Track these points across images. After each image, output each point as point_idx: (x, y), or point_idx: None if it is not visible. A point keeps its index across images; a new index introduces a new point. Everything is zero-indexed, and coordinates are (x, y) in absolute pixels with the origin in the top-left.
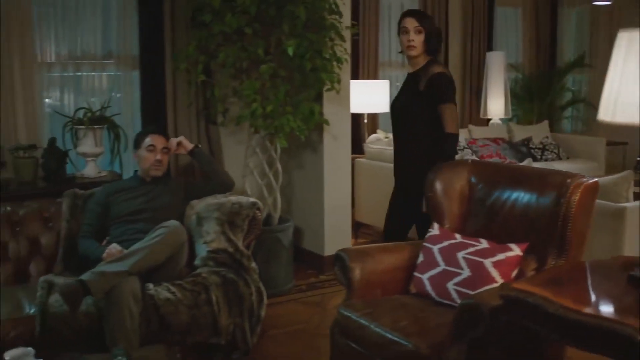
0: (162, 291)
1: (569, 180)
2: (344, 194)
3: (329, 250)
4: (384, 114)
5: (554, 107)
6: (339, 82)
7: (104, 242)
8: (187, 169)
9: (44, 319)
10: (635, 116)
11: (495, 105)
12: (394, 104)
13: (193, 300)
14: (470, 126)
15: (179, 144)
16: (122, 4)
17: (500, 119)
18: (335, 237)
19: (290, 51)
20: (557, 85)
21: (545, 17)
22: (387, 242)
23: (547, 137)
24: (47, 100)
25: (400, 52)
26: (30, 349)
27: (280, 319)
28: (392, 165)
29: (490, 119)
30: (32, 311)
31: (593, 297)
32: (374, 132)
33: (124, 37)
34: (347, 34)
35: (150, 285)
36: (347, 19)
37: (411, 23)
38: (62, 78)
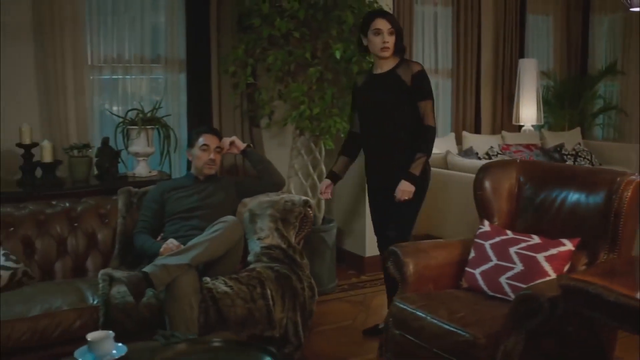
0: (219, 284)
1: (619, 178)
2: None
3: (370, 251)
4: None
5: (586, 114)
6: None
7: (159, 238)
8: (231, 169)
9: (107, 310)
10: None
11: (528, 112)
12: (368, 102)
13: (249, 293)
14: (503, 132)
15: (232, 143)
16: (170, 9)
17: (532, 126)
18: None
19: (337, 54)
20: (589, 93)
21: (576, 25)
22: (383, 248)
23: (579, 144)
24: (96, 102)
25: (364, 52)
26: (110, 332)
27: (326, 316)
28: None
29: (522, 126)
30: (95, 302)
31: None
32: None
33: (171, 41)
34: None
35: (208, 279)
36: None
37: (385, 25)
38: (112, 81)
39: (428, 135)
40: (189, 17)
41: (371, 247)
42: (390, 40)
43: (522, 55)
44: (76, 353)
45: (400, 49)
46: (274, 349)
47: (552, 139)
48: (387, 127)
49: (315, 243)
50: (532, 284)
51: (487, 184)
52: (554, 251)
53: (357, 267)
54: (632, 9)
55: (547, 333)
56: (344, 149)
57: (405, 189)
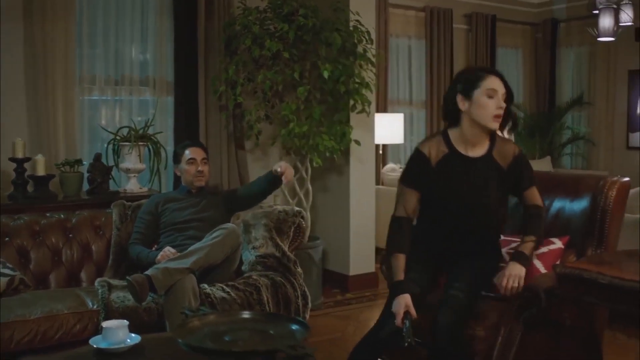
0: (217, 291)
1: (602, 181)
2: (368, 216)
3: (355, 270)
4: (393, 145)
5: (555, 144)
6: (369, 104)
7: (154, 248)
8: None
9: (107, 314)
10: None
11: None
12: (456, 191)
13: (246, 299)
14: None
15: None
16: (158, 33)
17: None
18: (360, 257)
19: (325, 74)
20: (557, 124)
21: (544, 58)
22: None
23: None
24: (85, 120)
25: (448, 118)
26: (125, 321)
27: (317, 329)
28: None
29: None
30: (95, 306)
31: (637, 272)
32: (385, 163)
33: (160, 64)
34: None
35: (205, 285)
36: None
37: (501, 87)
38: (101, 101)
39: (543, 217)
40: (177, 40)
41: (355, 266)
42: (503, 107)
43: None
44: (91, 340)
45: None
46: (302, 319)
47: None
48: (475, 222)
49: (302, 259)
50: None
51: None
52: (544, 249)
53: (341, 286)
54: (599, 39)
55: (543, 325)
56: (399, 244)
57: (515, 274)
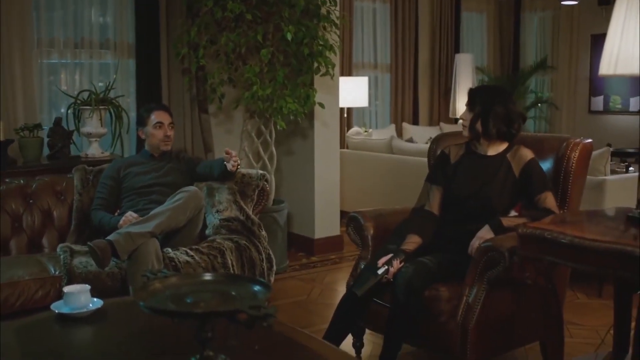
0: (180, 255)
1: (565, 142)
2: (333, 179)
3: (320, 233)
4: (358, 109)
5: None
6: (333, 67)
7: (116, 214)
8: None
9: (70, 279)
10: (634, 68)
11: (464, 105)
12: (466, 187)
13: (210, 263)
14: (442, 123)
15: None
16: None
17: None
18: (325, 221)
19: (289, 36)
20: (521, 87)
21: (508, 22)
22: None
23: None
24: (45, 84)
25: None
26: (86, 285)
27: (282, 292)
28: (374, 154)
29: (458, 118)
30: (57, 272)
31: (598, 232)
32: (350, 127)
33: (121, 26)
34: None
35: (169, 249)
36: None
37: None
38: (60, 65)
39: (544, 216)
40: (138, 1)
41: (320, 229)
42: (467, 118)
43: (457, 51)
44: (53, 305)
45: (496, 132)
46: (264, 280)
47: None
48: (477, 218)
49: (267, 223)
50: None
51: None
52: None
53: (306, 249)
54: (563, 3)
55: (507, 284)
56: (421, 228)
57: (481, 236)
